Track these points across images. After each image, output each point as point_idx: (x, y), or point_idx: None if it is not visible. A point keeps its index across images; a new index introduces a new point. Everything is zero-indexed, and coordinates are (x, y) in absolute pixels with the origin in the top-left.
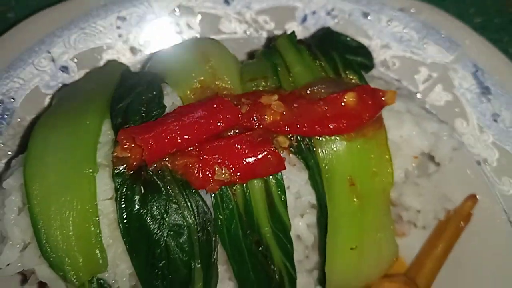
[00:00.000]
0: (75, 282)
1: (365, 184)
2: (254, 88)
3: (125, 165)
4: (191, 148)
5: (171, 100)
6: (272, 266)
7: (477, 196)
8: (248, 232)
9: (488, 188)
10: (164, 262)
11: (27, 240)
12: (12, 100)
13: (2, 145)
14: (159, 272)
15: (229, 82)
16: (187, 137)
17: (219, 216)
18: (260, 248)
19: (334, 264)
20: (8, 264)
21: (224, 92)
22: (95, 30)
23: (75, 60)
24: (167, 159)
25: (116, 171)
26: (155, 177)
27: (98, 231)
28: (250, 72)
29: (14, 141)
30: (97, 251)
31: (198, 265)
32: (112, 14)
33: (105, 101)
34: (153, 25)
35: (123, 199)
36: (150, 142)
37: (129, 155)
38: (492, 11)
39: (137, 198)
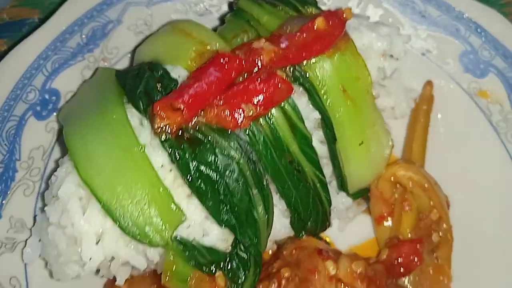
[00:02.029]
0: (161, 242)
1: (353, 88)
2: (240, 42)
3: (168, 132)
4: (216, 100)
5: (177, 74)
6: (306, 179)
7: (433, 80)
8: (281, 154)
9: (437, 71)
10: (228, 196)
11: (99, 231)
12: (16, 137)
13: (20, 180)
14: (227, 206)
15: (217, 44)
16: (212, 90)
17: (255, 148)
18: (293, 166)
19: (350, 163)
20: (91, 258)
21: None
22: (66, 52)
23: (58, 85)
24: (201, 114)
25: (163, 139)
26: (196, 133)
27: (167, 190)
28: (229, 31)
29: (30, 173)
30: (172, 206)
31: (255, 191)
32: (76, 34)
33: (117, 97)
34: (115, 33)
35: (178, 159)
36: (187, 101)
37: (169, 122)
38: None
39: (187, 154)
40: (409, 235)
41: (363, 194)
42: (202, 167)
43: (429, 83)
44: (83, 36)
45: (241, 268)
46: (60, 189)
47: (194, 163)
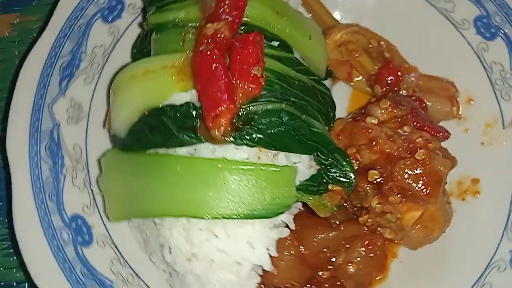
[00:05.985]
0: (293, 199)
1: (280, 8)
2: (192, 39)
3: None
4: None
5: (184, 100)
6: (309, 86)
7: None
8: (290, 83)
9: None
10: (297, 133)
11: (246, 240)
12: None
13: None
14: (302, 139)
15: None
16: (226, 81)
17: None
18: (300, 84)
19: (312, 55)
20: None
21: None
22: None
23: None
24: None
25: (231, 140)
26: (242, 116)
27: (265, 163)
28: (171, 43)
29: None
30: (279, 170)
31: (304, 116)
32: None
33: (147, 155)
34: None
35: (253, 141)
36: (227, 100)
37: (224, 124)
38: None
39: (253, 132)
40: (376, 67)
41: (328, 72)
42: (269, 131)
43: None
44: None
45: (337, 171)
46: (193, 250)
47: (263, 133)
